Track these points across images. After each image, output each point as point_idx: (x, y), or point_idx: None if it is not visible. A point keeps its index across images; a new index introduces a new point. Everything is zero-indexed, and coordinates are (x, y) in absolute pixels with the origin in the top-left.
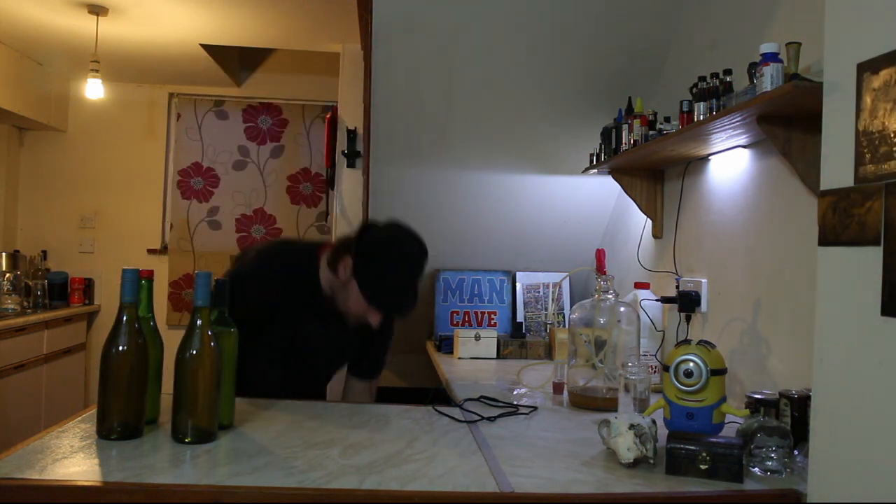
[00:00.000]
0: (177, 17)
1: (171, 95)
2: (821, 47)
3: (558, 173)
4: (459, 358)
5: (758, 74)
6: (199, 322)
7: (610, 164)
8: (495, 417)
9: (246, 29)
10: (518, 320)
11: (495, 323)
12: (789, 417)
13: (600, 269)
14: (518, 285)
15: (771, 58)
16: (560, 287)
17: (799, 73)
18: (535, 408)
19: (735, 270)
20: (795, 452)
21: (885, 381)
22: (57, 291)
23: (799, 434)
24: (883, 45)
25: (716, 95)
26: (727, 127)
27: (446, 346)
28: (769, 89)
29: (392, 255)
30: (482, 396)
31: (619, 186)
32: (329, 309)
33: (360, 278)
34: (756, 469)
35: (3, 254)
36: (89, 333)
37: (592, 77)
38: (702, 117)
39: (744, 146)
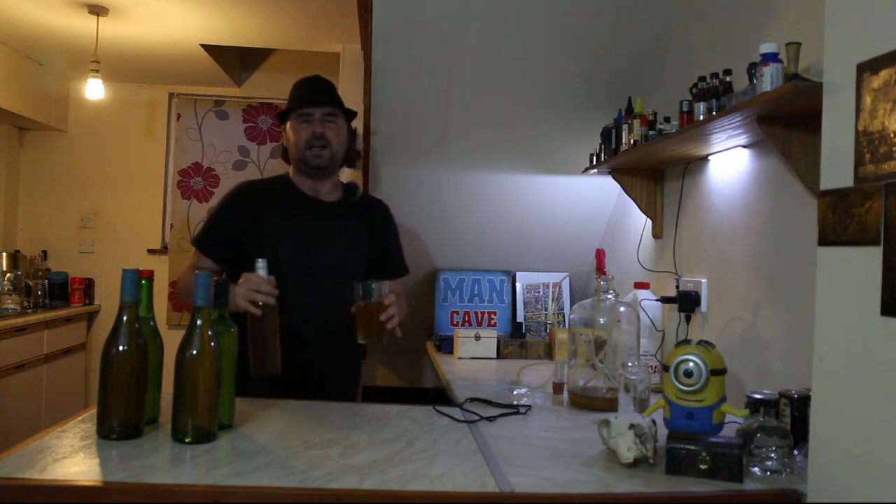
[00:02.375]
0: (177, 17)
1: (171, 95)
2: (821, 47)
3: (558, 173)
4: (459, 358)
5: (758, 74)
6: (199, 322)
7: (610, 164)
8: (495, 417)
9: (246, 29)
10: (518, 320)
11: (495, 323)
12: (789, 417)
13: (600, 269)
14: (518, 285)
15: (771, 58)
16: (560, 287)
17: (799, 73)
18: (530, 406)
19: (735, 270)
20: (795, 452)
21: (885, 381)
22: (57, 291)
23: (799, 434)
24: (883, 45)
25: (716, 95)
26: (727, 127)
27: (446, 346)
28: (769, 89)
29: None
30: (471, 399)
31: (619, 186)
32: (318, 210)
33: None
34: (756, 469)
35: (4, 254)
36: (89, 333)
37: (592, 77)
38: (702, 117)
39: (744, 146)
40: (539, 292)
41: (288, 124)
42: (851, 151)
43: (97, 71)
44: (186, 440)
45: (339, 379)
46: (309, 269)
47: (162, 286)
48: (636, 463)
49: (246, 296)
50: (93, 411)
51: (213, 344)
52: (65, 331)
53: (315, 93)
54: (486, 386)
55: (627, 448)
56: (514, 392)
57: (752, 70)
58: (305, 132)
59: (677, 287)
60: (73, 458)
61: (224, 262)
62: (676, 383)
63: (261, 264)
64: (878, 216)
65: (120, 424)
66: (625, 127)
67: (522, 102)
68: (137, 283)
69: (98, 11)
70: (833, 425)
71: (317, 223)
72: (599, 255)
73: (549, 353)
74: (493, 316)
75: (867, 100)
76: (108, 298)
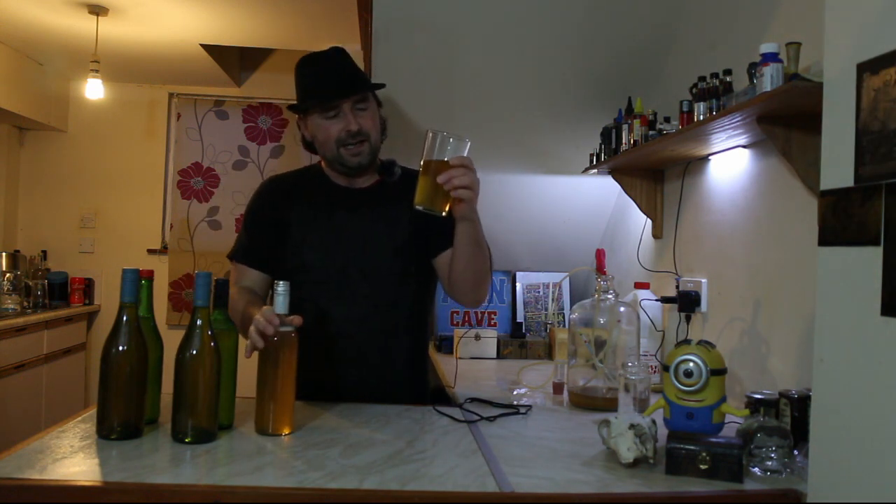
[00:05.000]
0: (177, 17)
1: (171, 95)
2: (821, 47)
3: (558, 173)
4: (459, 358)
5: (758, 74)
6: (199, 322)
7: (610, 164)
8: (495, 417)
9: (246, 29)
10: (518, 320)
11: (495, 323)
12: (789, 417)
13: (600, 269)
14: (518, 285)
15: (771, 58)
16: (560, 287)
17: (799, 73)
18: (530, 406)
19: (735, 270)
20: (795, 452)
21: (885, 381)
22: (57, 291)
23: (799, 434)
24: (883, 45)
25: (716, 95)
26: (727, 127)
27: (446, 346)
28: (769, 89)
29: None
30: (471, 399)
31: (619, 186)
32: (352, 200)
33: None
34: (756, 469)
35: (3, 254)
36: (89, 333)
37: (592, 77)
38: (702, 117)
39: (744, 146)
40: (539, 292)
41: (308, 119)
42: (851, 151)
43: (97, 71)
44: (186, 440)
45: (389, 400)
46: (342, 273)
47: (162, 286)
48: (636, 463)
49: (251, 335)
50: (93, 411)
51: (213, 344)
52: (65, 331)
53: (339, 78)
54: (486, 386)
55: (627, 448)
56: (514, 392)
57: (752, 70)
58: (335, 128)
59: (677, 287)
60: (73, 458)
61: (269, 271)
62: (676, 383)
63: (280, 289)
64: (878, 216)
65: (120, 424)
66: (625, 127)
67: (522, 102)
68: (137, 283)
69: (98, 11)
70: (833, 425)
71: (350, 217)
72: (599, 255)
73: (549, 353)
74: (493, 316)
75: (867, 100)
76: (108, 298)
